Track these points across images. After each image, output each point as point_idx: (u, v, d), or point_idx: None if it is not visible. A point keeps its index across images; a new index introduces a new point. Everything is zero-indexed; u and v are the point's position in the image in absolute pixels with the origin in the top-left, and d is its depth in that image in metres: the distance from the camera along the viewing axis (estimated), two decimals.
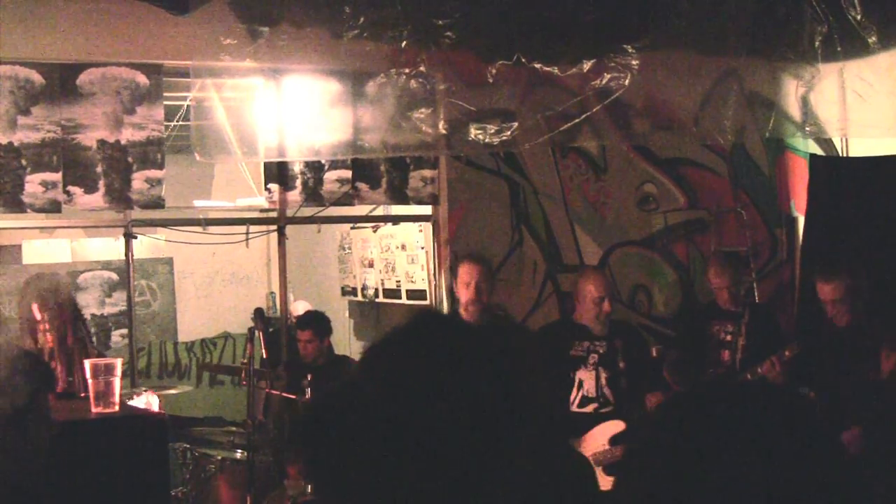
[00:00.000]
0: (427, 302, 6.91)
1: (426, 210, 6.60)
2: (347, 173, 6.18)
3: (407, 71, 5.53)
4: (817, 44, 5.66)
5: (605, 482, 4.76)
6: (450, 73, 5.60)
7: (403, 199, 6.42)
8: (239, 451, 4.78)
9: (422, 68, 5.51)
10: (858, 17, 5.47)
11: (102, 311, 7.47)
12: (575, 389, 4.89)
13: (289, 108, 5.78)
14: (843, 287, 4.70)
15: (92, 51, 5.48)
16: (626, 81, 5.58)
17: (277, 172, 6.06)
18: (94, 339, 4.39)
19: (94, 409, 3.03)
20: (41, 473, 2.23)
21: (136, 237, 5.83)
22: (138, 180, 5.57)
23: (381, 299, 8.25)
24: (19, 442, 2.19)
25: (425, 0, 5.29)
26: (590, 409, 4.87)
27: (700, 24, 5.56)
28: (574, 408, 4.88)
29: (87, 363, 3.14)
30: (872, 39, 5.52)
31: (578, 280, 5.11)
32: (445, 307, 6.42)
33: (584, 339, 4.95)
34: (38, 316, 4.07)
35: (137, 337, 6.68)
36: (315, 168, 6.10)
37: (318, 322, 6.14)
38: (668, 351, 5.72)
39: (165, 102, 5.72)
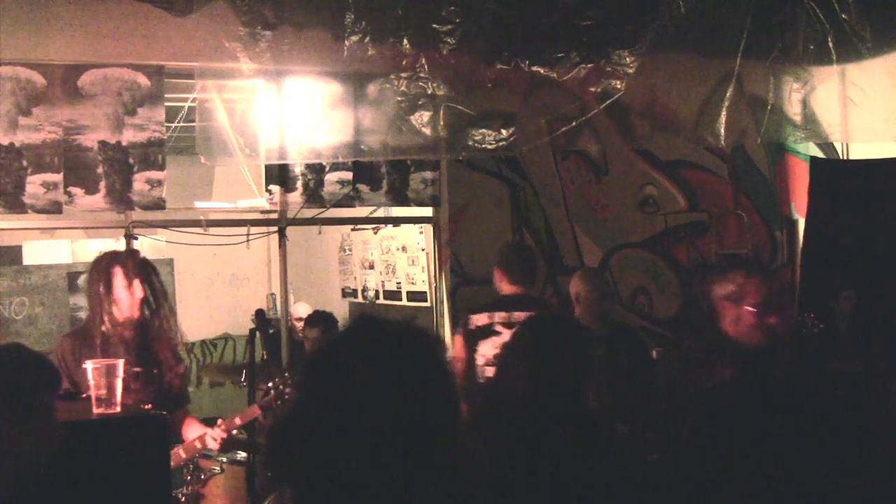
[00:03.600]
0: (427, 304, 6.92)
1: (427, 212, 6.61)
2: (348, 175, 6.19)
3: (407, 74, 5.54)
4: (812, 48, 5.68)
5: None
6: (450, 77, 5.61)
7: (404, 201, 6.43)
8: (240, 452, 4.79)
9: (422, 73, 5.52)
10: (852, 23, 5.48)
11: None
12: None
13: (290, 110, 5.79)
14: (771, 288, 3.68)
15: (93, 52, 5.48)
16: (624, 86, 5.59)
17: (278, 174, 6.07)
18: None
19: (95, 410, 3.03)
20: (47, 475, 2.23)
21: (136, 238, 5.84)
22: (139, 181, 5.58)
23: (381, 301, 8.26)
24: (24, 443, 2.20)
25: (425, 6, 5.30)
26: None
27: (698, 27, 5.57)
28: None
29: (89, 364, 3.15)
30: (866, 45, 5.53)
31: (575, 281, 5.10)
32: (446, 308, 6.44)
33: None
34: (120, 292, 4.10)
35: None
36: (316, 170, 6.11)
37: (327, 321, 6.21)
38: (661, 360, 5.76)
39: (166, 104, 5.73)
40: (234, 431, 4.78)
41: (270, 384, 4.43)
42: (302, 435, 1.45)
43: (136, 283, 4.14)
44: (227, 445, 4.88)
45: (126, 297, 4.12)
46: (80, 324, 4.36)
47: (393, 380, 1.45)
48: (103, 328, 4.12)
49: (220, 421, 4.41)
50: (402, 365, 1.47)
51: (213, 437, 4.31)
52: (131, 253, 4.33)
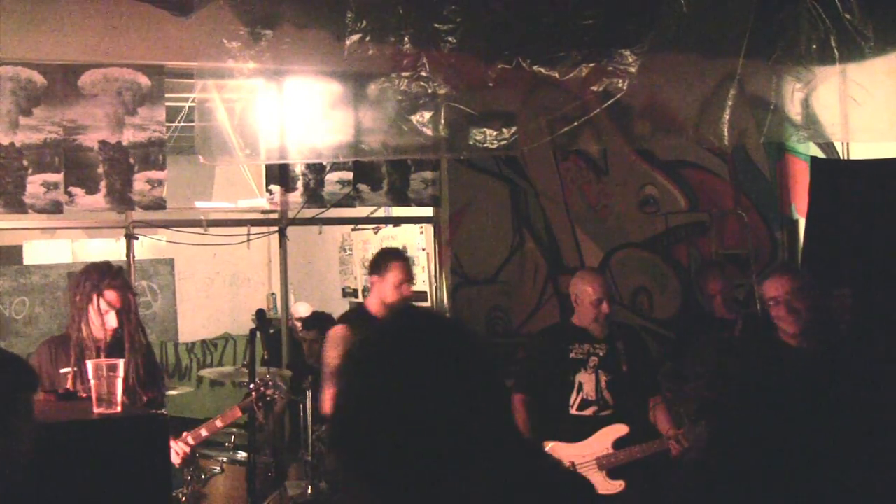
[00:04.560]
0: (428, 304, 6.91)
1: (427, 212, 6.61)
2: (349, 175, 6.18)
3: (408, 74, 5.53)
4: (814, 48, 5.67)
5: (611, 486, 4.76)
6: (451, 77, 5.61)
7: (404, 201, 6.42)
8: (240, 452, 4.78)
9: (423, 72, 5.51)
10: (854, 22, 5.48)
11: None
12: (574, 392, 4.87)
13: (290, 109, 5.78)
14: (796, 284, 4.00)
15: (94, 52, 5.48)
16: (625, 85, 5.58)
17: (279, 174, 6.07)
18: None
19: (95, 410, 3.03)
20: (27, 476, 2.22)
21: (137, 238, 5.84)
22: (139, 181, 5.57)
23: None
24: (2, 444, 2.19)
25: (426, 6, 5.29)
26: (589, 412, 4.86)
27: (700, 26, 5.56)
28: (574, 411, 4.87)
29: (90, 364, 3.15)
30: (868, 44, 5.53)
31: (575, 282, 5.05)
32: (447, 308, 6.43)
33: (584, 341, 4.92)
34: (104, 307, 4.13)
35: None
36: (316, 169, 6.11)
37: (324, 323, 6.19)
38: (663, 362, 5.76)
39: (167, 104, 5.73)
40: (236, 428, 4.79)
41: (251, 385, 4.43)
42: (358, 433, 1.45)
43: (112, 315, 4.18)
44: (228, 446, 4.88)
45: (99, 323, 4.18)
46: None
47: (442, 371, 1.44)
48: (79, 338, 4.17)
49: (185, 434, 4.44)
50: (447, 356, 1.47)
51: (176, 452, 4.36)
52: (116, 277, 4.30)
